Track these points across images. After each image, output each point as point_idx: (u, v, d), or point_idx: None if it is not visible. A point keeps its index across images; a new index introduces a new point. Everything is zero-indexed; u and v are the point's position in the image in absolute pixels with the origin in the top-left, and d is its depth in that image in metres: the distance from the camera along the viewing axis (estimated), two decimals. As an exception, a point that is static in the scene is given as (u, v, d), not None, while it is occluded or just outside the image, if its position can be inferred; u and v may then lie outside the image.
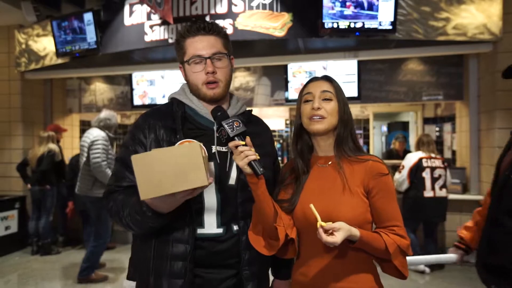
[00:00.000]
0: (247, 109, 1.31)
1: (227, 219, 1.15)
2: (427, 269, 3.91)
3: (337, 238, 0.99)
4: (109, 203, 1.13)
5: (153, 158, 0.88)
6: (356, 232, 1.04)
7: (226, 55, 1.18)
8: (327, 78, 1.23)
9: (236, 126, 1.07)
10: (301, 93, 1.24)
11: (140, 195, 0.89)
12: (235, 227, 1.16)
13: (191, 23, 1.17)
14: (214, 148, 1.15)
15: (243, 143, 1.06)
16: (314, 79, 1.24)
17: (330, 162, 1.20)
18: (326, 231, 1.00)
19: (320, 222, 1.01)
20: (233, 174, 1.15)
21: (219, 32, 1.19)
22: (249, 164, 1.04)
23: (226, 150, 1.16)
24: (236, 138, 1.06)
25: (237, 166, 1.12)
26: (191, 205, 1.10)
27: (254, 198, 1.12)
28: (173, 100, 1.23)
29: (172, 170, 0.88)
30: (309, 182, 1.20)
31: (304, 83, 1.25)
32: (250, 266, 1.15)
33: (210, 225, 1.13)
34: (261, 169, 1.04)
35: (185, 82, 1.25)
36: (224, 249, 1.13)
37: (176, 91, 1.27)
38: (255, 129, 1.26)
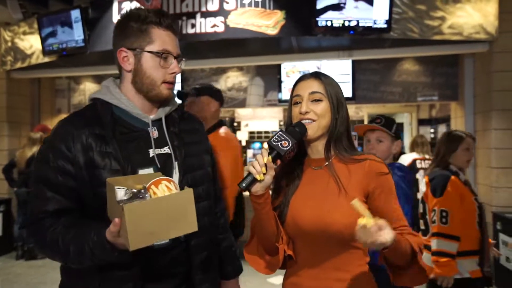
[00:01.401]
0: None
1: None
2: None
3: (387, 237, 0.82)
4: (37, 234, 0.96)
5: (148, 207, 0.82)
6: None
7: (183, 58, 1.12)
8: (316, 76, 1.13)
9: (283, 147, 0.99)
10: (291, 94, 1.16)
11: (130, 245, 0.79)
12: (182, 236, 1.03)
13: (157, 13, 1.06)
14: (152, 152, 1.05)
15: (268, 159, 0.98)
16: (302, 78, 1.15)
17: (325, 164, 1.11)
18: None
19: (368, 219, 0.84)
20: (176, 177, 1.07)
21: (178, 33, 1.13)
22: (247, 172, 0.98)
23: (165, 151, 1.07)
24: (283, 158, 0.99)
25: (180, 168, 1.08)
26: None
27: (256, 217, 1.05)
28: (96, 102, 1.07)
29: (165, 217, 0.83)
30: (301, 187, 1.12)
31: (295, 82, 1.16)
32: (202, 270, 1.10)
33: None
34: (243, 185, 0.96)
35: (108, 80, 1.12)
36: (172, 258, 1.05)
37: (98, 91, 1.11)
38: (191, 125, 1.20)
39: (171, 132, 1.10)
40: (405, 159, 3.88)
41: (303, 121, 1.08)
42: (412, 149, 3.98)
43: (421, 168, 3.78)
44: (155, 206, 0.82)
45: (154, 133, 1.07)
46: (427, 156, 3.86)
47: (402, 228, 1.04)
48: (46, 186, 0.98)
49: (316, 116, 1.08)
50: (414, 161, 3.82)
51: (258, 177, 0.96)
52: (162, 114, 1.10)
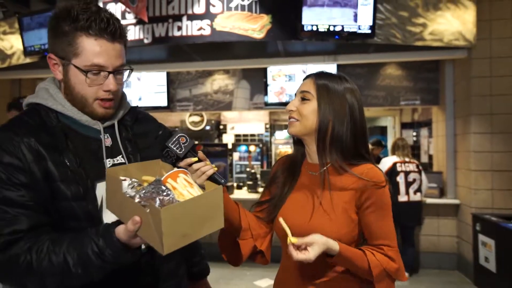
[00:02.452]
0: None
1: None
2: (406, 274, 3.91)
3: (310, 254, 0.87)
4: (13, 263, 0.78)
5: (181, 210, 0.75)
6: (334, 245, 0.93)
7: (128, 68, 0.95)
8: (314, 75, 1.10)
9: (183, 143, 0.95)
10: None
11: (164, 249, 0.72)
12: (143, 245, 0.90)
13: (90, 13, 0.87)
14: (108, 163, 0.93)
15: (196, 159, 0.96)
16: (305, 78, 1.14)
17: (319, 171, 1.08)
18: (298, 247, 0.90)
19: (290, 238, 0.90)
20: None
21: (124, 36, 0.93)
22: (209, 178, 0.95)
23: (119, 161, 0.96)
24: (188, 155, 0.95)
25: None
26: None
27: None
28: (37, 108, 0.91)
29: (198, 218, 0.78)
30: (295, 191, 1.10)
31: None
32: (170, 278, 1.01)
33: None
34: (223, 180, 0.95)
35: (47, 82, 0.96)
36: (138, 268, 0.93)
37: (36, 95, 0.94)
38: (143, 128, 1.07)
39: (124, 139, 0.99)
40: (386, 163, 3.96)
41: (289, 121, 1.08)
42: (393, 152, 4.06)
43: (401, 171, 3.86)
44: (190, 207, 0.77)
45: (107, 141, 0.95)
46: (407, 159, 3.94)
47: (381, 246, 1.01)
48: (7, 206, 0.80)
49: (300, 116, 1.06)
50: (394, 164, 3.90)
51: (214, 169, 0.97)
52: (115, 119, 0.98)
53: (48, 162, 0.85)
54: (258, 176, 4.93)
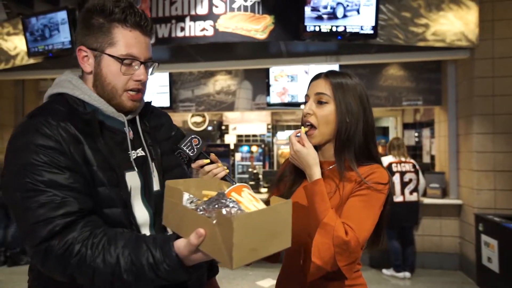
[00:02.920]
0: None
1: (160, 231, 0.95)
2: (407, 274, 3.92)
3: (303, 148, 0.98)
4: (75, 248, 0.76)
5: (253, 220, 0.69)
6: (317, 171, 0.98)
7: (156, 61, 0.99)
8: (327, 75, 1.06)
9: (195, 145, 0.95)
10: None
11: (233, 263, 0.65)
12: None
13: (124, 7, 0.90)
14: (133, 154, 0.95)
15: (208, 161, 0.96)
16: (315, 78, 1.08)
17: (330, 167, 1.06)
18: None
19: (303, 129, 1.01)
20: (155, 178, 0.98)
21: (153, 33, 0.98)
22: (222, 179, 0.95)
23: (143, 153, 0.98)
24: (200, 157, 0.96)
25: (157, 168, 0.99)
26: (126, 226, 0.87)
27: None
28: (61, 97, 0.92)
29: (267, 232, 0.72)
30: (301, 188, 1.07)
31: (310, 80, 1.10)
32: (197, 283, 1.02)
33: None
34: (234, 182, 0.94)
35: (68, 74, 0.96)
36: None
37: (60, 85, 0.94)
38: (158, 120, 1.09)
39: (143, 131, 1.01)
40: (382, 162, 3.94)
41: (306, 124, 1.05)
42: (389, 152, 4.05)
43: (397, 171, 3.86)
44: (261, 219, 0.71)
45: (129, 133, 0.96)
46: (403, 159, 3.93)
47: (346, 223, 0.93)
48: (55, 189, 0.79)
49: (317, 122, 1.02)
50: (390, 164, 3.89)
51: (226, 171, 0.99)
52: (136, 113, 1.00)
53: (85, 146, 0.85)
54: (260, 176, 4.94)
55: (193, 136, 0.96)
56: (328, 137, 1.04)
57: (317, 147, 1.08)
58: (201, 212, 0.73)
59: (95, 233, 0.78)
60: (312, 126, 1.04)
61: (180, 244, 0.74)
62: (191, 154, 0.95)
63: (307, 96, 1.07)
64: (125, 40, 0.90)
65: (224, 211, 0.69)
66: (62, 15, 3.88)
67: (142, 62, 0.93)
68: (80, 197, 0.80)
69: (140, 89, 0.95)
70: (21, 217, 0.79)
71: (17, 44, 4.32)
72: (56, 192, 0.79)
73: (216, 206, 0.72)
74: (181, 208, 0.76)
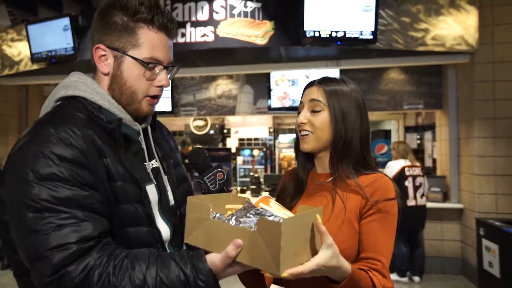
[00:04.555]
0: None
1: (178, 247, 0.91)
2: (417, 278, 3.91)
3: (304, 267, 0.70)
4: (96, 270, 0.68)
5: (297, 223, 0.69)
6: (346, 266, 0.77)
7: (176, 66, 0.92)
8: (320, 82, 1.02)
9: (219, 180, 0.91)
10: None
11: (281, 268, 0.63)
12: None
13: (151, 6, 0.83)
14: (148, 165, 0.88)
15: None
16: (309, 85, 1.05)
17: (327, 180, 1.02)
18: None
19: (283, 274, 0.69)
20: (170, 192, 0.92)
21: (177, 35, 0.96)
22: None
23: (154, 165, 0.91)
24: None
25: (170, 181, 0.93)
26: (152, 245, 0.82)
27: None
28: (79, 102, 0.82)
29: (303, 237, 0.71)
30: (301, 202, 1.03)
31: (304, 88, 1.07)
32: None
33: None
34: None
35: (80, 75, 0.87)
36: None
37: (76, 88, 0.84)
38: (161, 132, 1.04)
39: (154, 142, 0.95)
40: (394, 167, 3.93)
41: (301, 133, 1.01)
42: (403, 156, 3.99)
43: (410, 176, 3.84)
44: (301, 223, 0.70)
45: (142, 144, 0.90)
46: (415, 163, 3.94)
47: (374, 261, 0.88)
48: (72, 208, 0.70)
49: (313, 129, 0.99)
50: (403, 168, 3.87)
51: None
52: (148, 122, 0.94)
53: (108, 159, 0.78)
54: (262, 180, 4.95)
55: (219, 170, 0.92)
56: (323, 144, 0.99)
57: (313, 157, 1.06)
58: (234, 223, 0.71)
59: (115, 255, 0.70)
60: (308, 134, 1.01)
61: (214, 258, 0.69)
62: (212, 189, 0.91)
63: (301, 103, 1.04)
64: (151, 42, 0.83)
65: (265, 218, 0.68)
66: (65, 22, 3.93)
67: (165, 66, 0.86)
68: (100, 219, 0.73)
69: (159, 95, 0.89)
70: (28, 239, 0.68)
71: (21, 50, 4.38)
72: (75, 213, 0.69)
73: (250, 216, 0.71)
74: (210, 222, 0.72)
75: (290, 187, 1.09)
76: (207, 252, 0.72)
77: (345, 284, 0.78)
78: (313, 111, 0.99)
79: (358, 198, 0.94)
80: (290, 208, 1.02)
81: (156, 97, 0.89)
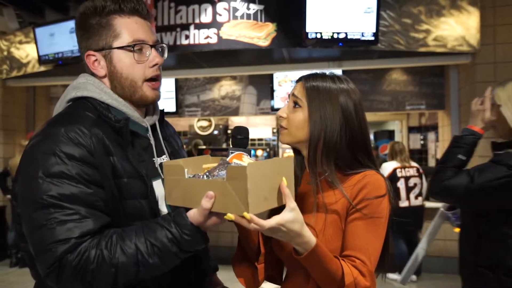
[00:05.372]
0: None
1: None
2: (414, 277, 3.94)
3: (265, 222, 0.71)
4: (91, 253, 0.72)
5: (263, 169, 0.73)
6: (310, 237, 0.76)
7: (165, 44, 0.95)
8: (305, 79, 0.97)
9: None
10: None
11: (250, 208, 0.68)
12: None
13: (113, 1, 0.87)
14: (157, 161, 0.92)
15: None
16: (297, 80, 1.01)
17: (311, 181, 0.97)
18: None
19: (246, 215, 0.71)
20: None
21: (151, 16, 0.96)
22: None
23: (163, 160, 0.94)
24: None
25: None
26: None
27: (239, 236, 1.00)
28: (88, 102, 0.87)
29: (273, 183, 0.75)
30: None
31: (290, 91, 1.04)
32: (206, 274, 1.05)
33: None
34: None
35: (87, 77, 0.91)
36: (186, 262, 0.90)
37: (85, 89, 0.88)
38: (169, 130, 1.08)
39: (163, 138, 0.99)
40: (386, 168, 3.95)
41: (280, 129, 0.98)
42: (391, 157, 4.03)
43: (402, 177, 3.87)
44: (268, 168, 0.74)
45: (151, 140, 0.93)
46: (406, 164, 3.93)
47: (354, 259, 0.82)
48: (76, 205, 0.74)
49: (289, 125, 0.95)
50: (394, 170, 3.89)
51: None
52: (156, 118, 0.97)
53: (115, 157, 0.81)
54: (265, 180, 4.99)
55: (249, 154, 0.91)
56: (299, 140, 0.95)
57: (300, 155, 1.01)
58: (205, 177, 0.75)
59: (104, 235, 0.75)
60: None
61: (193, 213, 0.75)
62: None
63: (289, 96, 1.00)
64: (128, 27, 0.87)
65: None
66: (71, 24, 4.00)
67: (151, 45, 0.89)
68: (101, 215, 0.77)
69: (158, 76, 0.91)
70: (35, 233, 0.74)
71: (28, 52, 4.46)
72: (78, 210, 0.74)
73: (222, 169, 0.75)
74: (185, 181, 0.77)
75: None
76: (188, 210, 0.76)
77: (307, 257, 0.77)
78: (294, 107, 0.95)
79: (342, 196, 0.89)
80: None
81: (155, 80, 0.91)
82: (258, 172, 0.71)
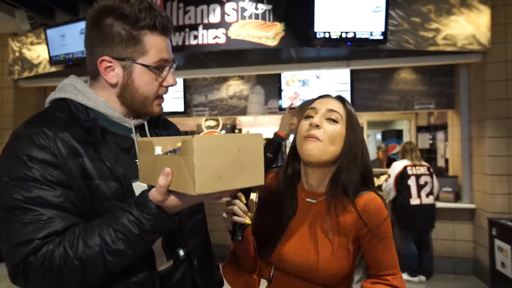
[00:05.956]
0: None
1: (170, 244, 0.90)
2: (423, 277, 3.91)
3: None
4: (54, 252, 0.71)
5: (215, 142, 0.66)
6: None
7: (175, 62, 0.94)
8: (340, 98, 1.00)
9: None
10: (303, 109, 1.06)
11: (196, 188, 0.63)
12: (181, 252, 0.91)
13: (151, 11, 0.84)
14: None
15: (244, 201, 0.87)
16: (324, 96, 1.01)
17: (320, 199, 0.98)
18: None
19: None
20: None
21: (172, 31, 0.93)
22: (232, 226, 0.87)
23: None
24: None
25: None
26: None
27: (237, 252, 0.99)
28: (64, 103, 0.85)
29: (233, 161, 0.68)
30: (294, 222, 0.99)
31: (315, 99, 1.04)
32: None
33: (161, 258, 0.87)
34: (240, 238, 0.87)
35: (72, 78, 0.91)
36: (176, 282, 0.89)
37: (63, 90, 0.87)
38: (169, 131, 1.06)
39: None
40: (396, 166, 3.97)
41: (308, 139, 0.93)
42: (402, 156, 4.05)
43: (412, 175, 3.86)
44: (225, 144, 0.67)
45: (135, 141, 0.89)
46: (417, 162, 3.94)
47: (386, 277, 0.96)
48: (41, 207, 0.73)
49: (324, 137, 0.92)
50: (405, 167, 3.90)
51: (247, 221, 0.87)
52: (145, 118, 0.94)
53: (85, 159, 0.79)
54: (273, 179, 5.00)
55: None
56: (329, 157, 0.94)
57: (305, 171, 1.01)
58: (170, 154, 0.71)
59: (68, 232, 0.74)
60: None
61: (153, 192, 0.72)
62: None
63: (313, 109, 0.97)
64: (156, 46, 0.85)
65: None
66: (81, 25, 4.05)
67: (169, 66, 0.89)
68: (68, 216, 0.75)
69: (164, 94, 0.92)
70: (3, 235, 0.75)
71: (40, 53, 4.53)
72: (43, 211, 0.73)
73: None
74: (153, 157, 0.74)
75: (274, 199, 1.03)
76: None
77: None
78: (329, 120, 0.94)
79: (354, 219, 0.94)
80: (281, 225, 1.00)
81: (163, 97, 0.92)
82: (209, 147, 0.64)
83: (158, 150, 0.77)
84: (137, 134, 0.91)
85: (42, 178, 0.75)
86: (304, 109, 1.02)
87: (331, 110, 0.95)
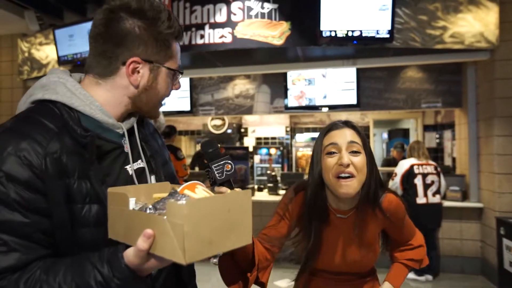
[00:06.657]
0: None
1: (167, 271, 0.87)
2: (429, 277, 3.90)
3: None
4: None
5: (206, 205, 0.61)
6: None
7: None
8: (352, 126, 1.10)
9: (227, 170, 0.89)
10: (321, 140, 1.10)
11: (186, 257, 0.57)
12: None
13: (172, 17, 0.85)
14: (130, 169, 0.83)
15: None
16: (337, 126, 1.10)
17: (350, 214, 1.15)
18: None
19: None
20: None
21: None
22: None
23: (140, 166, 0.87)
24: (224, 184, 0.88)
25: (157, 181, 0.90)
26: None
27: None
28: (55, 107, 0.76)
29: (222, 222, 0.63)
30: (329, 234, 1.16)
31: (327, 129, 1.12)
32: None
33: None
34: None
35: (60, 74, 0.82)
36: (162, 282, 0.85)
37: (54, 91, 0.77)
38: (149, 130, 1.00)
39: (141, 141, 0.90)
40: (403, 165, 3.95)
41: (342, 176, 1.04)
42: (410, 155, 4.03)
43: (419, 173, 3.84)
44: (216, 205, 0.63)
45: (126, 147, 0.84)
46: (424, 161, 3.92)
47: (409, 244, 1.27)
48: (7, 234, 0.65)
49: (356, 171, 1.03)
50: (411, 166, 3.88)
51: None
52: (134, 120, 0.88)
53: (71, 179, 0.71)
54: (279, 178, 5.01)
55: (228, 161, 0.90)
56: (361, 185, 1.07)
57: (331, 195, 1.15)
58: (150, 211, 0.65)
59: (28, 270, 0.66)
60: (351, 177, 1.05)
61: (129, 254, 0.63)
62: (218, 178, 0.89)
63: (335, 145, 1.05)
64: (178, 53, 0.89)
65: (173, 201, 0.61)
66: (89, 26, 4.08)
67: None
68: (36, 248, 0.68)
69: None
70: None
71: (48, 53, 4.59)
72: (7, 240, 0.65)
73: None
74: (128, 213, 0.66)
75: (306, 221, 1.15)
76: (129, 247, 0.65)
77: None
78: (352, 152, 1.05)
79: (378, 221, 1.15)
80: (316, 242, 1.15)
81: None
82: (201, 212, 0.59)
83: (132, 203, 0.69)
84: (125, 139, 0.85)
85: (15, 202, 0.66)
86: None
87: (352, 142, 1.05)
